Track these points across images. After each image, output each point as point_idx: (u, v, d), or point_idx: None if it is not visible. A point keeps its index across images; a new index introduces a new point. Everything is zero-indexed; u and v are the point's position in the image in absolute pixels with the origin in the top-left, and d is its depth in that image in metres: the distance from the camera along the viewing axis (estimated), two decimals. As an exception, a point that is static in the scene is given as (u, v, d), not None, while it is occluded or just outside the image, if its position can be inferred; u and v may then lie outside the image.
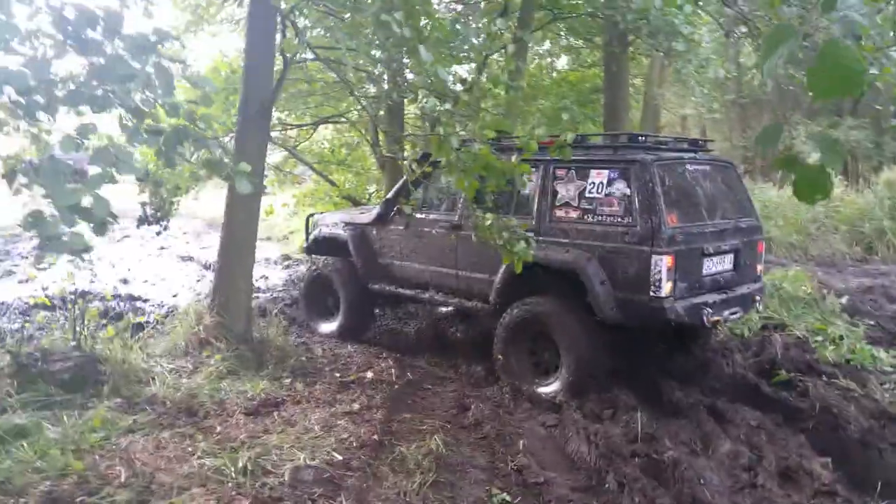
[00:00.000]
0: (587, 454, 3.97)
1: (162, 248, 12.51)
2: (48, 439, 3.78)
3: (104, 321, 5.67)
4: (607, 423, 4.39)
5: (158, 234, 8.89)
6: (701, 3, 9.03)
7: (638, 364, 5.36)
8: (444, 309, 6.94)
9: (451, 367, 5.83)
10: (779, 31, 1.48)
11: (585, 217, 4.90)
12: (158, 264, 11.11)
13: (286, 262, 11.44)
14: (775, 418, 4.49)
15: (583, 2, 8.71)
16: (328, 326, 6.67)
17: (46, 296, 6.40)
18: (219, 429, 4.22)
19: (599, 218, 4.81)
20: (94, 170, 2.73)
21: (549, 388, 4.90)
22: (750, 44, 13.21)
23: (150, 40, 2.87)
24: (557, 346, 4.93)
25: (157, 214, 8.37)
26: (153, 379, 4.86)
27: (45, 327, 5.80)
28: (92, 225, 2.67)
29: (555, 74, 14.39)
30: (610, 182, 4.81)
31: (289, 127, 10.78)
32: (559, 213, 5.05)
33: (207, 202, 12.77)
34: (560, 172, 5.09)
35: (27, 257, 10.03)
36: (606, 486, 3.66)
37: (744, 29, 9.00)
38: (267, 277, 9.85)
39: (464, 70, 7.07)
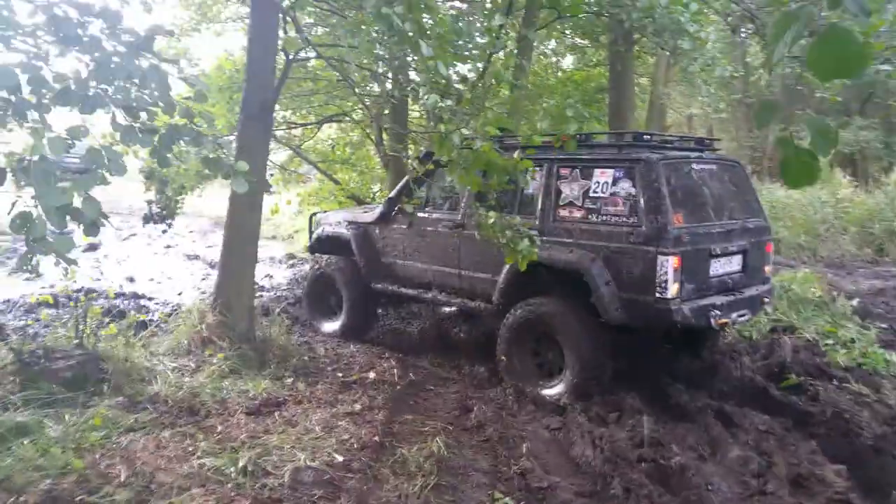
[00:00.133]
0: (592, 458, 3.91)
1: (168, 246, 12.54)
2: (49, 437, 3.77)
3: (107, 319, 5.66)
4: (613, 426, 4.33)
5: (164, 232, 8.92)
6: (707, 1, 8.94)
7: (644, 367, 5.30)
8: (447, 309, 6.91)
9: (454, 368, 5.79)
10: (786, 18, 1.47)
11: (590, 217, 4.84)
12: (164, 263, 11.13)
13: (291, 262, 11.44)
14: (785, 423, 4.41)
15: (588, 0, 8.65)
16: (331, 326, 6.64)
17: (51, 293, 6.40)
18: (220, 428, 4.20)
19: (604, 218, 4.76)
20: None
21: (553, 391, 4.85)
22: (757, 42, 13.13)
23: (143, 37, 2.84)
24: (561, 348, 4.88)
25: (163, 213, 8.39)
26: (155, 378, 4.84)
27: (49, 325, 5.80)
28: (82, 226, 2.65)
29: (560, 74, 14.32)
30: (615, 181, 4.76)
31: (293, 126, 10.77)
32: (563, 212, 5.00)
33: (214, 201, 12.79)
34: (564, 171, 5.04)
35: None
36: (612, 491, 3.59)
37: (751, 26, 8.91)
38: (271, 276, 9.85)
39: (466, 69, 7.02)
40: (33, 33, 2.98)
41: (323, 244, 6.84)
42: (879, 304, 7.46)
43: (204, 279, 9.50)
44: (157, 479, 3.47)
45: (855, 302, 7.05)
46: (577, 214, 4.92)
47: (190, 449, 3.86)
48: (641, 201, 4.57)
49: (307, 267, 9.69)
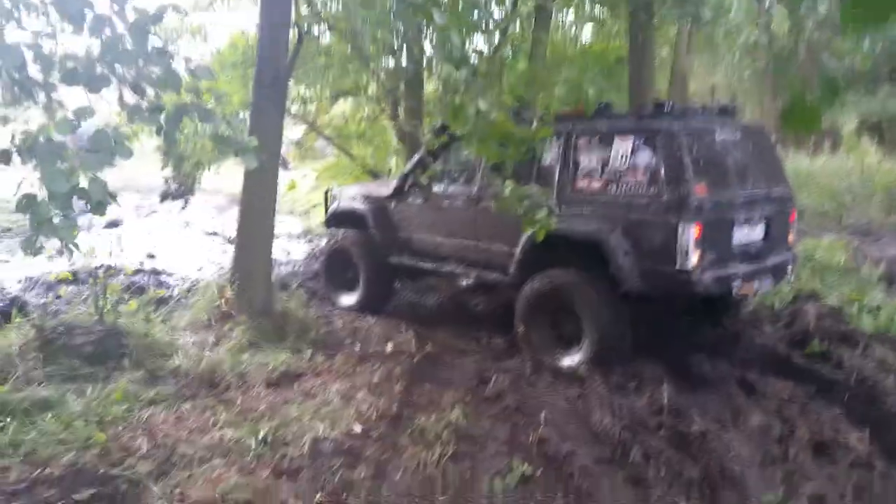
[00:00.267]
0: (611, 426, 3.87)
1: (187, 222, 12.62)
2: (72, 411, 3.85)
3: (126, 295, 5.72)
4: (632, 395, 4.29)
5: (183, 208, 8.97)
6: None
7: (665, 336, 5.25)
8: (464, 282, 6.87)
9: (472, 340, 5.77)
10: None
11: (609, 188, 4.75)
12: (184, 239, 11.21)
13: (308, 237, 11.46)
14: (808, 390, 4.36)
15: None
16: (348, 299, 6.65)
17: (71, 270, 6.47)
18: (240, 400, 4.25)
19: (624, 188, 4.67)
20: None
21: (572, 361, 4.82)
22: (782, 9, 12.73)
23: (152, 15, 2.80)
24: (580, 319, 4.84)
25: (181, 189, 8.45)
26: (175, 352, 4.90)
27: (70, 302, 5.88)
28: (89, 205, 2.65)
29: (578, 46, 14.04)
30: (635, 151, 4.65)
31: (307, 101, 10.72)
32: (581, 183, 4.91)
33: (232, 177, 12.82)
34: (582, 142, 4.94)
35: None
36: (631, 458, 3.58)
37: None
38: (289, 252, 9.87)
39: (481, 42, 6.91)
40: (45, 11, 2.94)
41: (339, 218, 6.82)
42: (906, 270, 7.28)
43: (223, 254, 9.56)
44: (179, 451, 3.53)
45: (881, 268, 6.90)
46: (596, 185, 4.83)
47: (210, 421, 3.91)
48: (662, 171, 4.48)
49: (324, 242, 9.71)
